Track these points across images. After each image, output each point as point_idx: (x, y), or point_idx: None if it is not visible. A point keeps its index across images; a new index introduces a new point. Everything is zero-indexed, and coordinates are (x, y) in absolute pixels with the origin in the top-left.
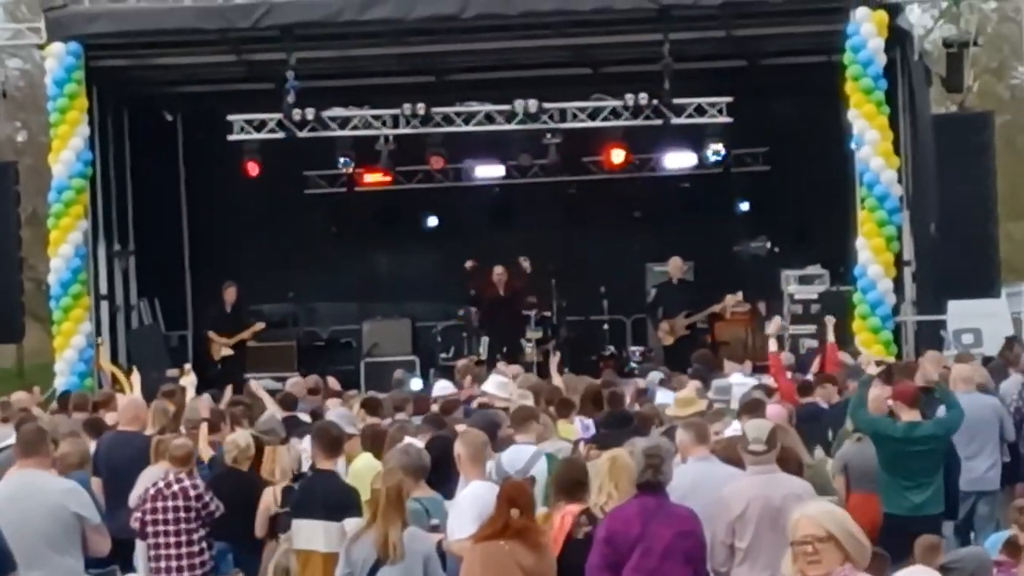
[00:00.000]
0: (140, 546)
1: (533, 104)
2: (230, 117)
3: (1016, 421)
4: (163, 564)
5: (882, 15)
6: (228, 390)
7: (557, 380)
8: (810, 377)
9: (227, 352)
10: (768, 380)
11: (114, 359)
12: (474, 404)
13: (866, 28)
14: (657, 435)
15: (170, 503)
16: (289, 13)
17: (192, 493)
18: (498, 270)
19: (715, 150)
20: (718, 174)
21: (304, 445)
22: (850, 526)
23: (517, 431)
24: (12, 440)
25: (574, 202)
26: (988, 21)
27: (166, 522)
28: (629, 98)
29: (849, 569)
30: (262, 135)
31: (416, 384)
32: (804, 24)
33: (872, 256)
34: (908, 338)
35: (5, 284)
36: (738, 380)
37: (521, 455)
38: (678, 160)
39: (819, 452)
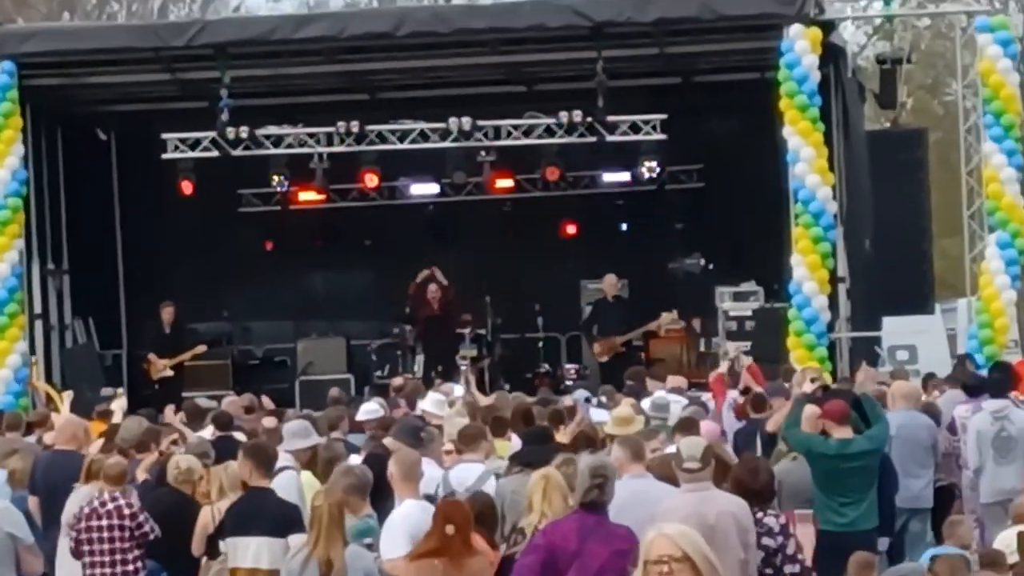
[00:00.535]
0: (66, 564)
1: (467, 122)
2: (164, 135)
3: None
4: None
5: (816, 32)
6: (169, 411)
7: (481, 399)
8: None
9: (167, 373)
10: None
11: (49, 378)
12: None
13: (800, 45)
14: (601, 453)
15: (104, 522)
16: (223, 31)
17: (127, 512)
18: (432, 288)
19: (649, 167)
20: (652, 191)
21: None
22: (706, 550)
23: (465, 449)
24: None
25: (509, 220)
26: (922, 38)
27: (100, 540)
28: (563, 115)
29: None
30: (196, 153)
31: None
32: (737, 41)
33: (807, 273)
34: (843, 355)
35: None
36: (672, 398)
37: (470, 473)
38: (612, 177)
39: None
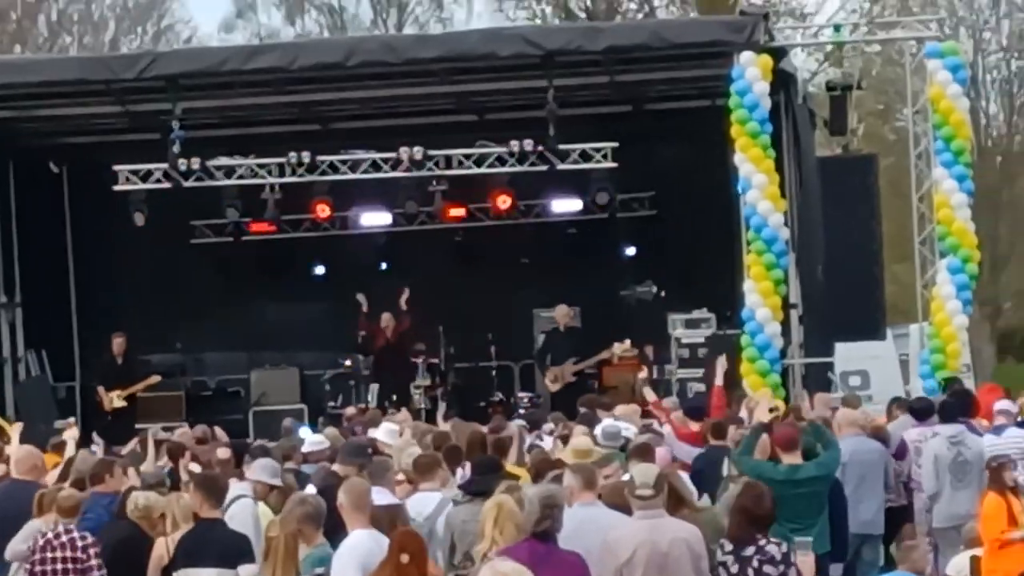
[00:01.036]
0: None
1: (418, 151)
2: (115, 167)
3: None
4: None
5: (766, 59)
6: (134, 443)
7: (443, 426)
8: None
9: (120, 404)
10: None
11: (2, 412)
12: None
13: (751, 72)
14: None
15: (59, 554)
16: (173, 63)
17: (80, 544)
18: (385, 317)
19: (601, 195)
20: (604, 219)
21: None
22: None
23: (422, 478)
24: None
25: (461, 249)
26: (872, 64)
27: (55, 572)
28: (514, 144)
29: None
30: (148, 185)
31: (305, 433)
32: (687, 69)
33: (760, 299)
34: (795, 381)
35: None
36: (625, 426)
37: (427, 502)
38: (564, 205)
39: (705, 498)
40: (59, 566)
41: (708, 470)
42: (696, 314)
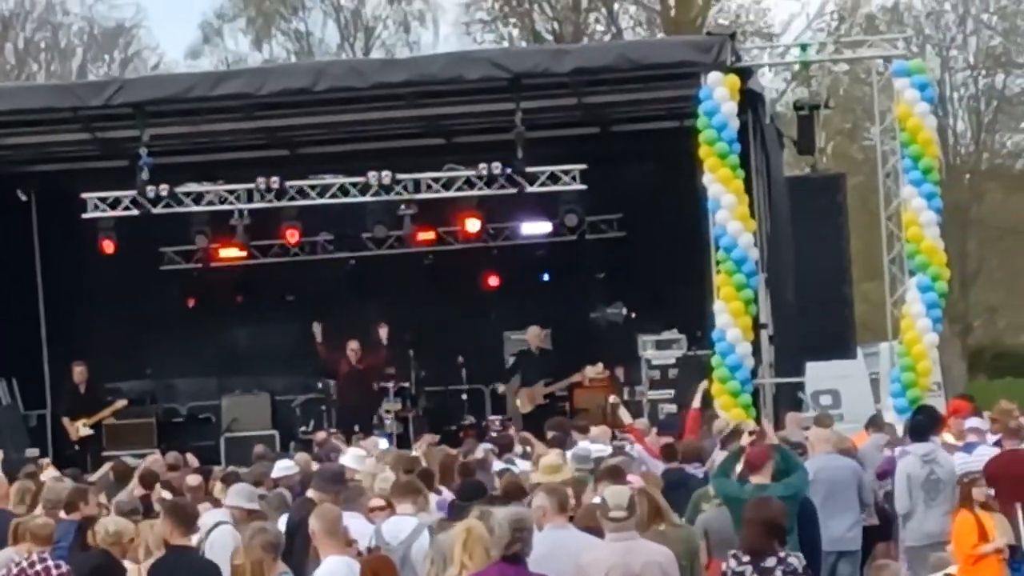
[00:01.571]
0: None
1: (387, 175)
2: (84, 195)
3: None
4: None
5: (734, 79)
6: (105, 468)
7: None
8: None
9: (86, 432)
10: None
11: None
12: None
13: (719, 92)
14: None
15: None
16: (141, 90)
17: (54, 572)
18: (352, 344)
19: (570, 217)
20: (573, 241)
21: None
22: None
23: (398, 502)
24: None
25: (430, 272)
26: (840, 83)
27: None
28: (483, 167)
29: None
30: (117, 212)
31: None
32: (655, 90)
33: (731, 320)
34: (767, 401)
35: None
36: (594, 447)
37: (403, 526)
38: (533, 228)
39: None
40: None
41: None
42: (666, 335)
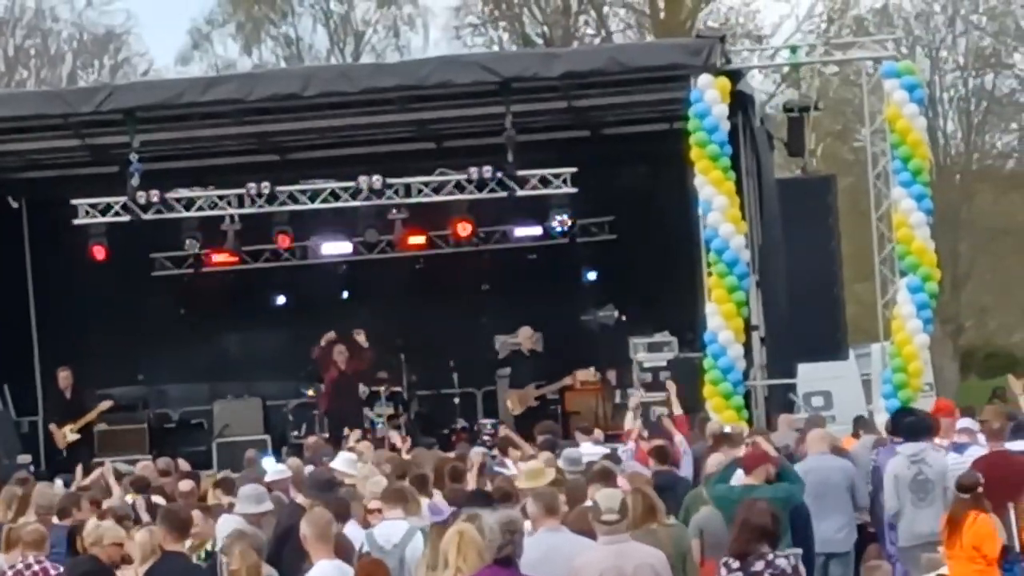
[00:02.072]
0: None
1: (378, 180)
2: (74, 201)
3: (872, 481)
4: None
5: (725, 81)
6: (79, 471)
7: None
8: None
9: (73, 438)
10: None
11: None
12: None
13: (710, 94)
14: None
15: None
16: (131, 96)
17: (52, 574)
18: (339, 348)
19: (561, 220)
20: (564, 244)
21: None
22: None
23: (389, 506)
24: None
25: (421, 276)
26: (830, 85)
27: None
28: (473, 171)
29: None
30: (107, 218)
31: (269, 463)
32: (645, 93)
33: (722, 322)
34: (758, 403)
35: None
36: (588, 450)
37: (395, 530)
38: (524, 231)
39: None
40: None
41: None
42: (658, 337)
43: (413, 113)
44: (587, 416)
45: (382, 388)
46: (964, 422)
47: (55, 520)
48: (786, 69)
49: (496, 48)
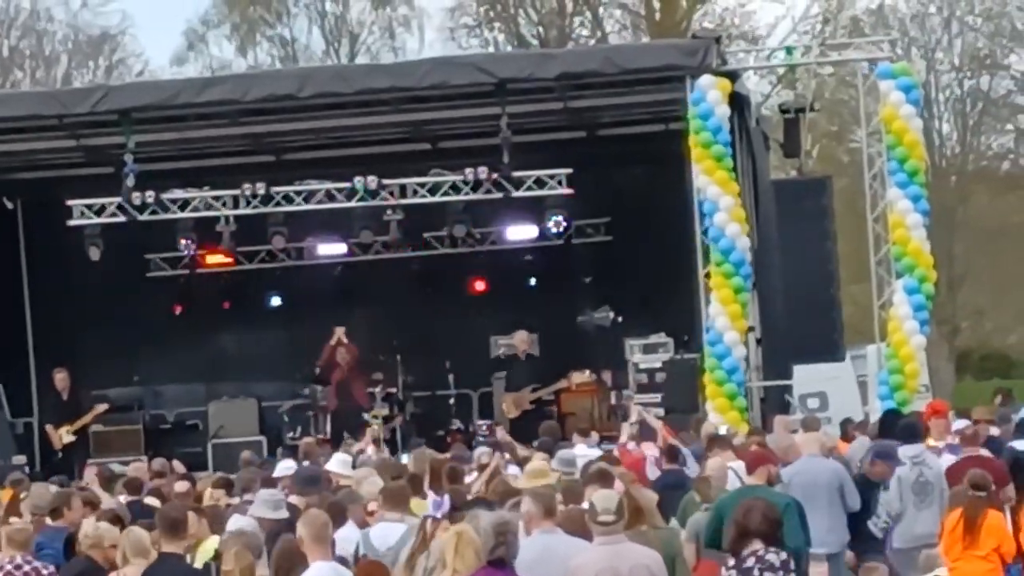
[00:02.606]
0: None
1: (373, 181)
2: (70, 202)
3: (859, 483)
4: None
5: (726, 82)
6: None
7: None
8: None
9: (70, 439)
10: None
11: None
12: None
13: (712, 95)
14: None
15: None
16: (126, 97)
17: (44, 573)
18: (341, 351)
19: (556, 222)
20: (560, 245)
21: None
22: None
23: (387, 508)
24: None
25: (417, 277)
26: (826, 86)
27: None
28: (469, 172)
29: None
30: (102, 219)
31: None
32: (641, 94)
33: (728, 322)
34: (754, 404)
35: None
36: (582, 451)
37: (391, 532)
38: (520, 233)
39: (673, 520)
40: None
41: (665, 493)
42: (654, 339)
43: (408, 114)
44: (583, 418)
45: (378, 389)
46: (959, 424)
47: (48, 521)
48: (782, 70)
49: (491, 49)
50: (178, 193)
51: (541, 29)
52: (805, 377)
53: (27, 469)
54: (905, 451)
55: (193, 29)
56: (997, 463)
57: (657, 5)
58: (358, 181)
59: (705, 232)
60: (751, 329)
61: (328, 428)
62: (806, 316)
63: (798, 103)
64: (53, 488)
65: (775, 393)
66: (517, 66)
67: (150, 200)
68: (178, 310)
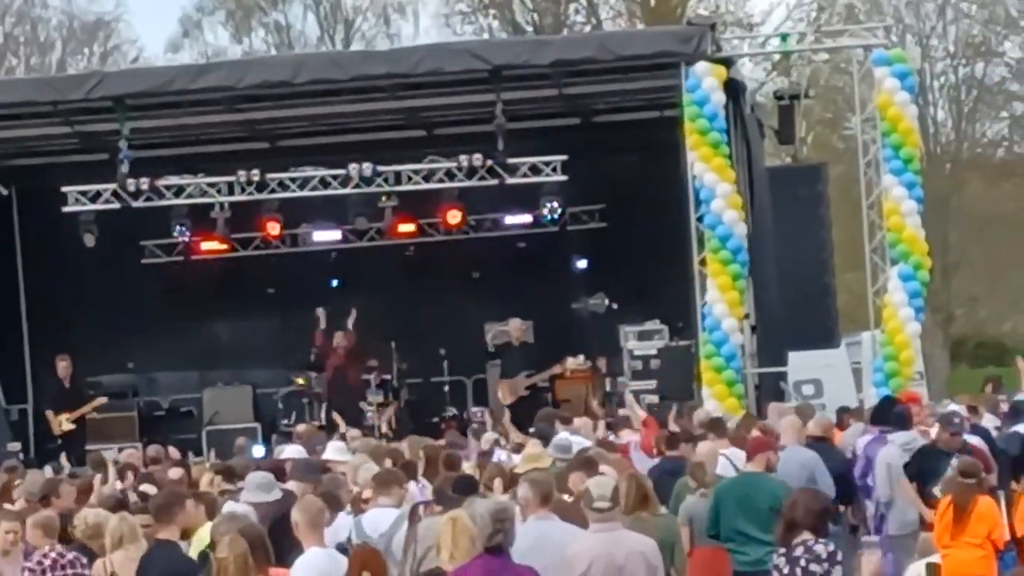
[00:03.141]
0: None
1: (368, 168)
2: (64, 189)
3: (862, 468)
4: None
5: (721, 69)
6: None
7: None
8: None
9: (68, 427)
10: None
11: None
12: None
13: (708, 82)
14: (500, 495)
15: (69, 571)
16: (121, 83)
17: (84, 561)
18: (339, 336)
19: (551, 208)
20: (554, 232)
21: None
22: None
23: (379, 493)
24: None
25: (412, 264)
26: (820, 73)
27: None
28: (463, 159)
29: None
30: (97, 206)
31: (259, 451)
32: (635, 80)
33: (726, 309)
34: (749, 391)
35: None
36: (576, 439)
37: (384, 518)
38: (514, 219)
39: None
40: None
41: (663, 480)
42: (648, 326)
43: (403, 101)
44: (577, 405)
45: (372, 376)
46: (953, 406)
47: (39, 507)
48: (776, 57)
49: (486, 36)
50: (173, 180)
51: (536, 16)
52: (800, 364)
53: (22, 456)
54: (897, 438)
55: (188, 16)
56: (980, 450)
57: None
58: (352, 168)
59: (700, 219)
60: (746, 316)
61: (323, 415)
62: (801, 303)
63: (793, 90)
64: (45, 475)
65: (770, 380)
66: (512, 53)
67: (145, 187)
68: (172, 297)
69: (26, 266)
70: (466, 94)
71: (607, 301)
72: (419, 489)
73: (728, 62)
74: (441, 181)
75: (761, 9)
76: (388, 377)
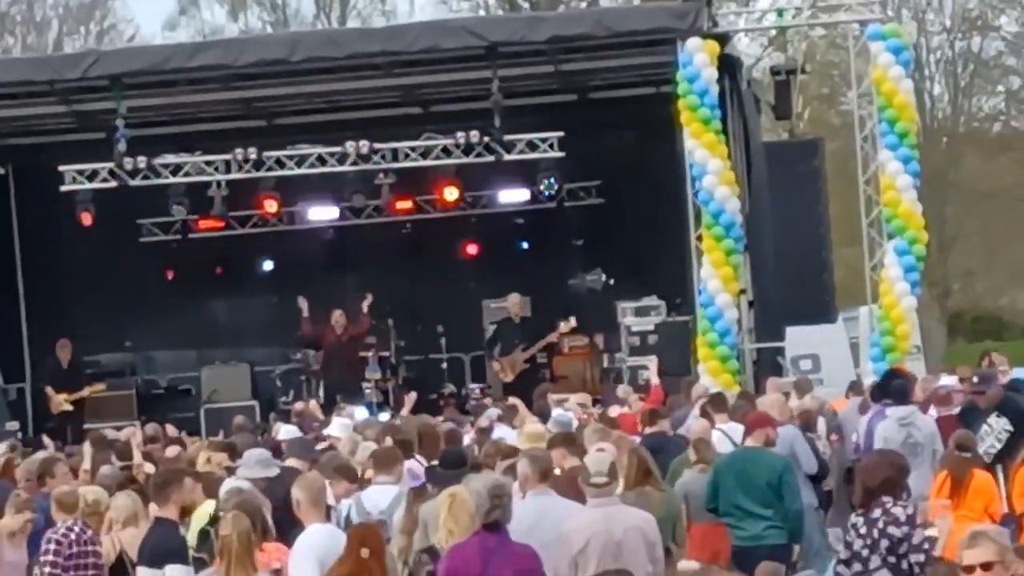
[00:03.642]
0: None
1: (364, 145)
2: (62, 168)
3: (866, 442)
4: None
5: (714, 45)
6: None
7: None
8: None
9: (67, 407)
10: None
11: None
12: (319, 446)
13: (699, 58)
14: (500, 471)
15: (89, 548)
16: (117, 62)
17: (99, 540)
18: (336, 313)
19: (548, 185)
20: (552, 208)
21: None
22: None
23: (379, 471)
24: None
25: (409, 241)
26: (816, 48)
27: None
28: (460, 136)
29: None
30: (94, 185)
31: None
32: (631, 57)
33: (720, 285)
34: (747, 366)
35: None
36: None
37: (383, 496)
38: (511, 196)
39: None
40: (90, 560)
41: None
42: (646, 301)
43: (400, 78)
44: (575, 381)
45: (371, 353)
46: (947, 381)
47: (36, 486)
48: (773, 32)
49: (482, 12)
50: (170, 158)
51: None
52: (797, 339)
53: (20, 435)
54: (895, 412)
55: None
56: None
57: None
58: (349, 145)
59: (696, 195)
60: (743, 291)
61: (321, 392)
62: (798, 278)
63: (789, 65)
64: (51, 449)
65: (767, 355)
66: (508, 29)
67: (142, 165)
68: (170, 275)
69: (23, 245)
70: (462, 71)
71: (604, 277)
72: (409, 475)
73: (724, 38)
74: (438, 158)
75: None
76: (386, 354)
